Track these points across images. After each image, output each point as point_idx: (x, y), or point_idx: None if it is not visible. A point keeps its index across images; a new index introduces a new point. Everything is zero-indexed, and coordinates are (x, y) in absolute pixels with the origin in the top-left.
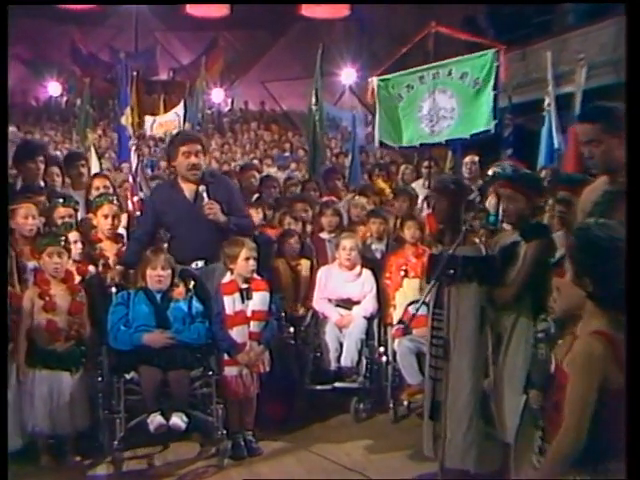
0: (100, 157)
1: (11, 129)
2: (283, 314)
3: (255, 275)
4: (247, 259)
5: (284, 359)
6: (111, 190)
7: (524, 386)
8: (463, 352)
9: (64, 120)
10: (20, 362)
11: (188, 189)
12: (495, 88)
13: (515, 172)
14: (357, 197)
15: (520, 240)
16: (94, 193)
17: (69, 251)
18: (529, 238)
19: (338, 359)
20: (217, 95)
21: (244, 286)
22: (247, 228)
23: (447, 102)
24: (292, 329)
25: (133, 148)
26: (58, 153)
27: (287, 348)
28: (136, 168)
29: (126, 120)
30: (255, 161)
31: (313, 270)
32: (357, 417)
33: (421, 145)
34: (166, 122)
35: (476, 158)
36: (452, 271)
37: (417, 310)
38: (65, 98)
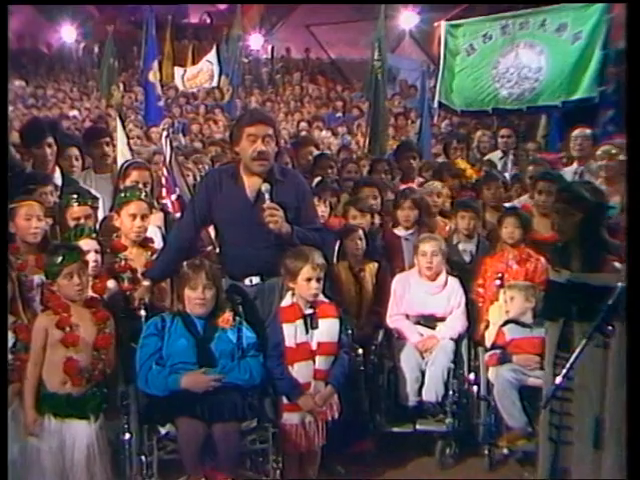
0: (125, 119)
1: (18, 83)
2: (350, 332)
3: (322, 297)
4: (308, 280)
5: (353, 390)
6: (149, 187)
7: None
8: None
9: (80, 71)
10: (28, 412)
11: (250, 183)
12: (605, 47)
13: None
14: (431, 181)
15: None
16: (128, 185)
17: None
18: None
19: (419, 391)
20: (255, 41)
21: (308, 311)
22: (315, 243)
23: (534, 59)
24: (361, 351)
25: (164, 134)
26: (76, 113)
27: (357, 376)
28: (170, 159)
29: (154, 76)
30: (303, 124)
31: (379, 275)
32: (443, 464)
33: (494, 110)
34: (198, 73)
35: (588, 131)
36: (611, 327)
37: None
38: (82, 44)
